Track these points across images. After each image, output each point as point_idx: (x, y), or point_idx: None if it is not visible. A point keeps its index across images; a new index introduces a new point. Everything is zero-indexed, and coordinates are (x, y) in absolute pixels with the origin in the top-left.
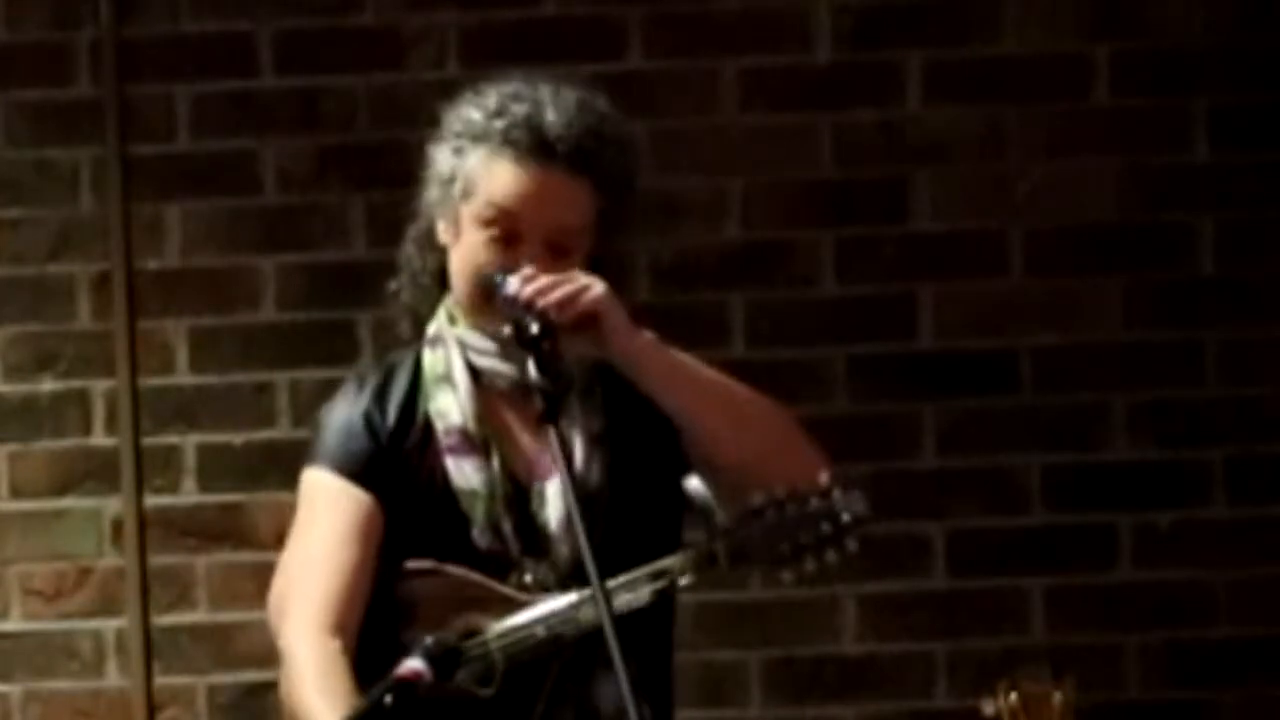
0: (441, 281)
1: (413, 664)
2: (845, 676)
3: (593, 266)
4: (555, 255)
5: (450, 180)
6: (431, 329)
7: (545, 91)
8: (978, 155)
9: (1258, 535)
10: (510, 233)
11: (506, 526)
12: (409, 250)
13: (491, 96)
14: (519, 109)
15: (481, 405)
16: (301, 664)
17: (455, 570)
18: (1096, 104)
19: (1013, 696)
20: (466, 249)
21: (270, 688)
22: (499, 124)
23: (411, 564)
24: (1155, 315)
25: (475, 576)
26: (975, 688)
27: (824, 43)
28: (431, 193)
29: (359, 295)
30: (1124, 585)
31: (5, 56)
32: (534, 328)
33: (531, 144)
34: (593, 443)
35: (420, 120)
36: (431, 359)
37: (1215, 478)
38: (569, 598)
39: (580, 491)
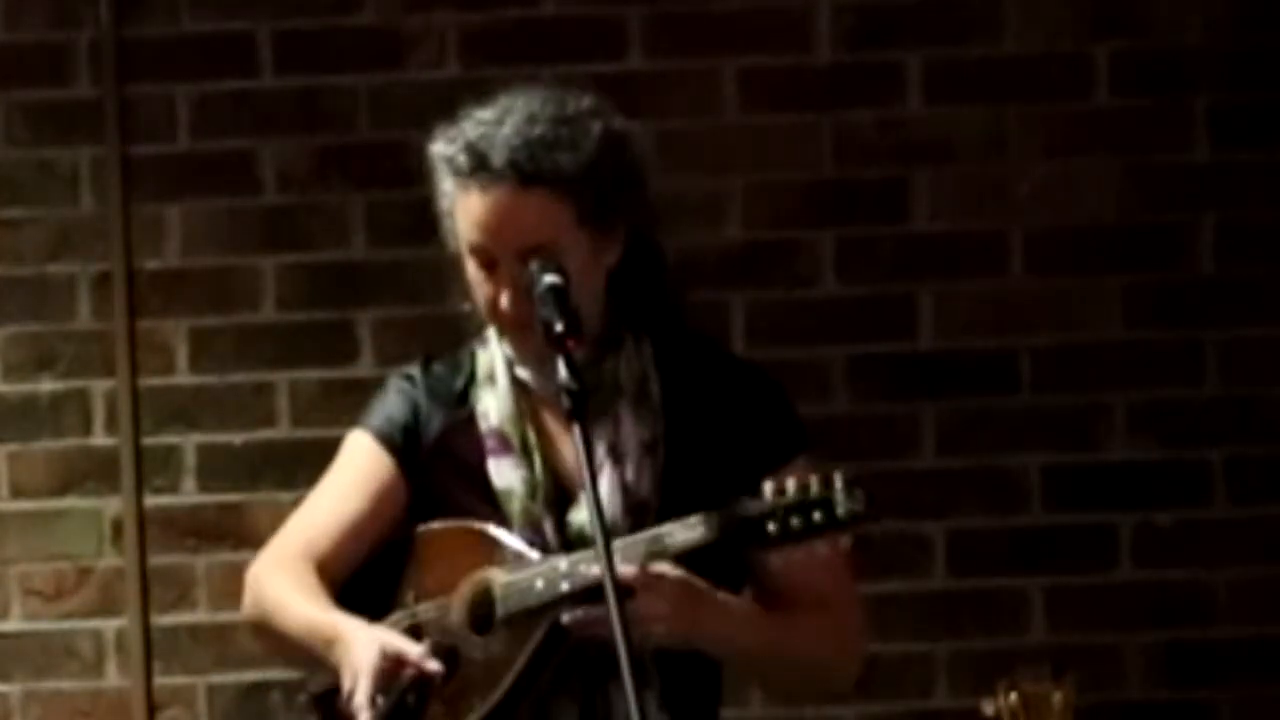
0: None
1: (427, 664)
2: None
3: (624, 265)
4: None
5: (447, 214)
6: (488, 330)
7: (509, 107)
8: (978, 155)
9: (1258, 535)
10: (487, 260)
11: (547, 525)
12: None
13: (456, 123)
14: (468, 132)
15: (525, 408)
16: (270, 571)
17: (482, 527)
18: (1096, 104)
19: (1013, 696)
20: (470, 278)
21: (270, 688)
22: (449, 151)
23: (449, 523)
24: (1155, 315)
25: (501, 535)
26: (975, 688)
27: (824, 43)
28: (445, 225)
29: (359, 295)
30: (1124, 585)
31: (5, 56)
32: (559, 326)
33: (473, 166)
34: (644, 451)
35: (420, 120)
36: (484, 358)
37: (1215, 478)
38: (574, 556)
39: (630, 500)
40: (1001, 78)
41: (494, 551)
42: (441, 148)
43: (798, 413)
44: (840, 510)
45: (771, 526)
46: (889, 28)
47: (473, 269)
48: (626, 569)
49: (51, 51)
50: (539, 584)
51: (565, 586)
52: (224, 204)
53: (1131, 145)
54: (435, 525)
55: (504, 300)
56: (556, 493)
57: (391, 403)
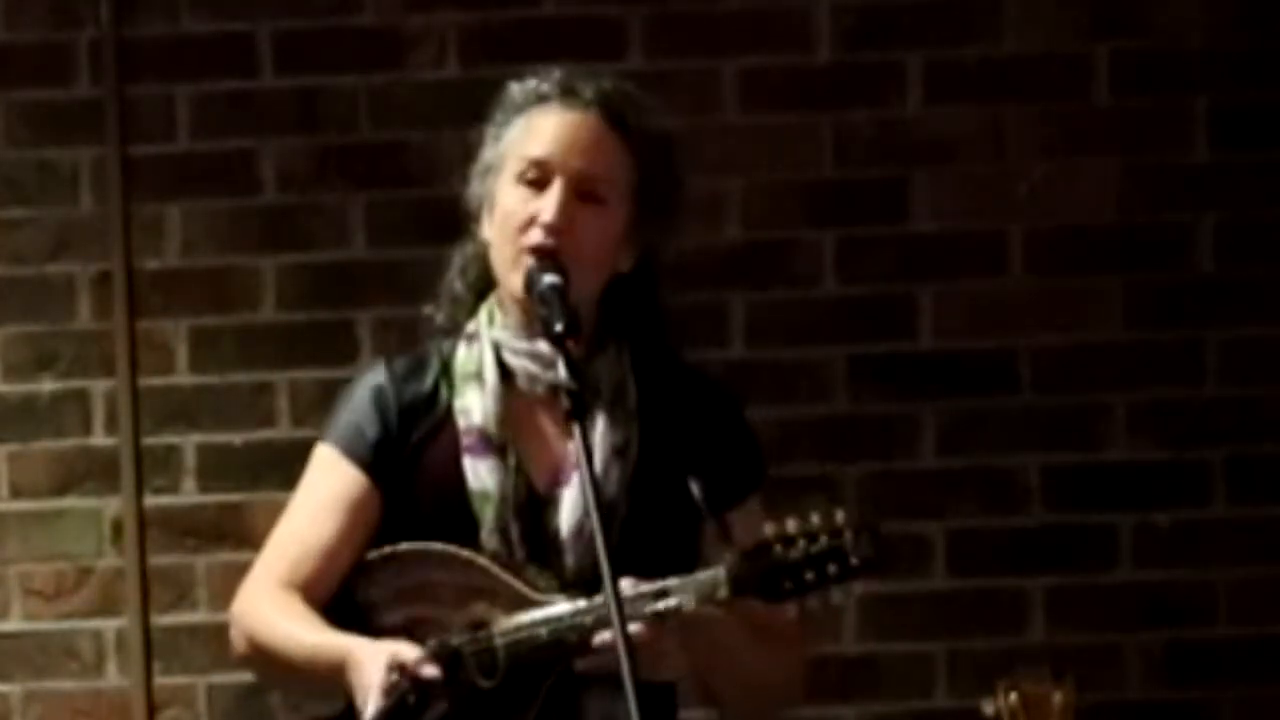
0: (480, 293)
1: (425, 670)
2: (845, 676)
3: (641, 263)
4: (583, 200)
5: (489, 168)
6: (470, 326)
7: (595, 73)
8: (978, 155)
9: (1258, 535)
10: (540, 178)
11: (514, 532)
12: (451, 277)
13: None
14: (555, 74)
15: (509, 408)
16: (258, 605)
17: (473, 557)
18: (1096, 104)
19: (1013, 696)
20: (501, 214)
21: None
22: (533, 86)
23: (434, 546)
24: (1155, 315)
25: (492, 567)
26: (975, 688)
27: (824, 43)
28: (474, 189)
29: (359, 295)
30: (1124, 585)
31: (5, 56)
32: (559, 325)
33: (562, 93)
34: (613, 454)
35: (420, 120)
36: (465, 355)
37: (1215, 478)
38: (577, 603)
39: (597, 500)
40: (1001, 78)
41: (479, 576)
42: (520, 89)
43: (760, 442)
44: (854, 559)
45: (786, 583)
46: (889, 28)
47: (515, 197)
48: (635, 628)
49: (51, 51)
50: (543, 633)
51: (572, 639)
52: (224, 204)
53: (1131, 145)
54: (404, 547)
55: (546, 215)
56: (527, 497)
57: (359, 412)
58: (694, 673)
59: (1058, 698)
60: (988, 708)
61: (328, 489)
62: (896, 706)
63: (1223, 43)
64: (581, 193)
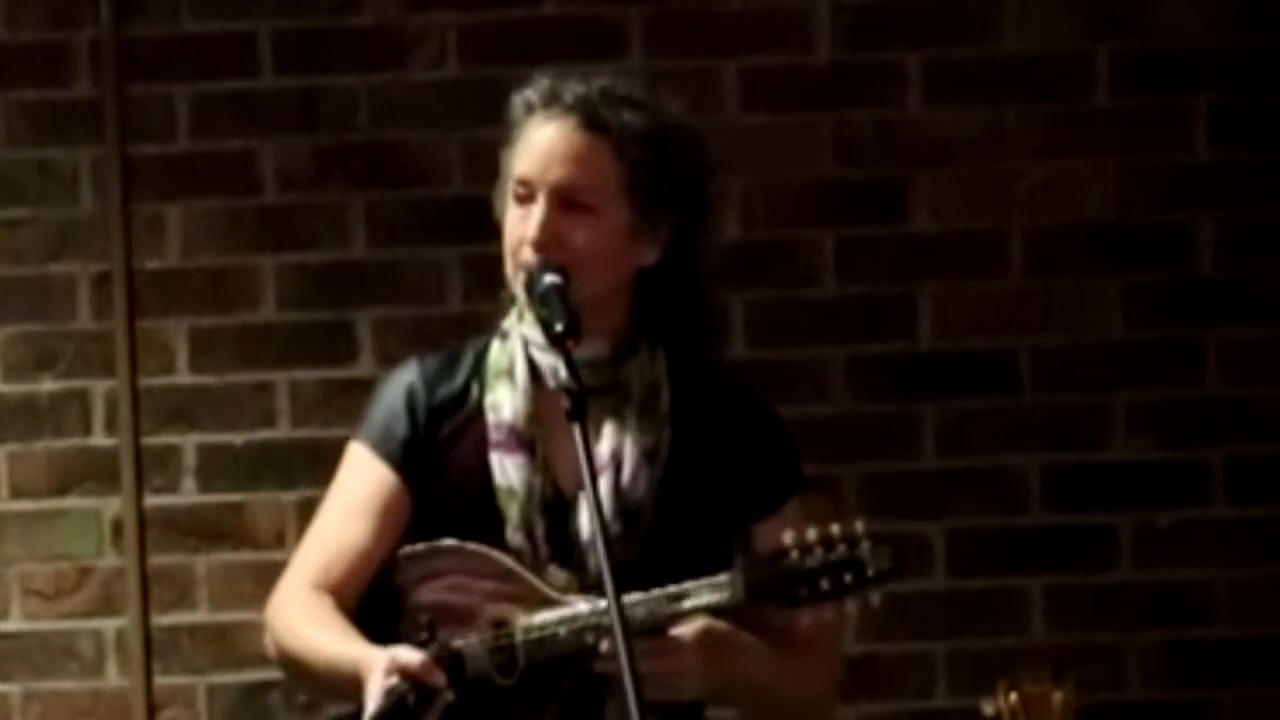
0: None
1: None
2: (845, 676)
3: (660, 273)
4: (568, 210)
5: (505, 181)
6: (505, 324)
7: (592, 72)
8: (978, 155)
9: (1258, 535)
10: (528, 195)
11: (539, 530)
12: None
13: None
14: (548, 79)
15: (539, 406)
16: (287, 610)
17: (501, 558)
18: (1096, 104)
19: (1013, 696)
20: (505, 235)
21: (270, 688)
22: (525, 92)
23: (459, 544)
24: (1155, 315)
25: (515, 566)
26: (975, 688)
27: (824, 43)
28: (497, 205)
29: (359, 295)
30: (1124, 585)
31: (5, 56)
32: (559, 326)
33: (545, 101)
34: (643, 458)
35: (420, 120)
36: (498, 352)
37: (1215, 478)
38: (596, 604)
39: (622, 504)
40: (1000, 78)
41: (503, 576)
42: (519, 95)
43: (797, 453)
44: (870, 571)
45: (802, 590)
46: (889, 28)
47: (511, 218)
48: (644, 645)
49: (51, 51)
50: (562, 632)
51: (590, 640)
52: (224, 204)
53: (1131, 145)
54: (429, 545)
55: (530, 233)
56: (553, 497)
57: (391, 411)
58: (719, 703)
59: (1058, 698)
60: (988, 708)
61: (359, 488)
62: (896, 706)
63: (1223, 43)
64: (565, 203)
